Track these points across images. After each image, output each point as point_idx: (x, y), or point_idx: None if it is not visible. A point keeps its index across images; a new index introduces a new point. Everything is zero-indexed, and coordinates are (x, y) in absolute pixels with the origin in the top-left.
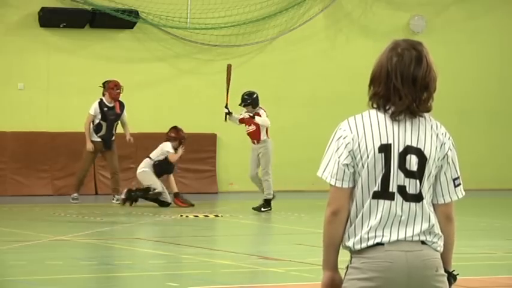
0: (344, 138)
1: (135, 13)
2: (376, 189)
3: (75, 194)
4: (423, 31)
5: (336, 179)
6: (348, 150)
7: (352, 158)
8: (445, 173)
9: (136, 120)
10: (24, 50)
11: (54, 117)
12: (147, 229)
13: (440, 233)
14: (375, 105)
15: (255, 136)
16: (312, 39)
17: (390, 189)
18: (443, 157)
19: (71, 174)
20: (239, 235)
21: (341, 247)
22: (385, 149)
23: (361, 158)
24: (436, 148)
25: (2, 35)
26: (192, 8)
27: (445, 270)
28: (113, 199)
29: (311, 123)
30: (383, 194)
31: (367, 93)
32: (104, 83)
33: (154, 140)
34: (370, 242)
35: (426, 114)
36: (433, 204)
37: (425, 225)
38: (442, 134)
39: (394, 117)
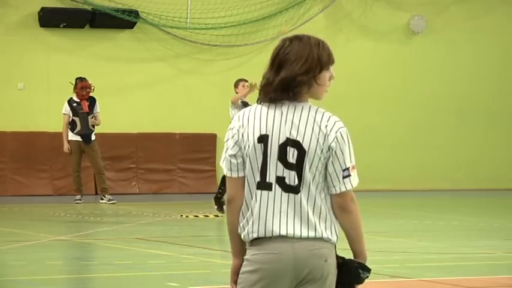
0: (232, 129)
1: (135, 13)
2: (258, 179)
3: (77, 196)
4: (423, 31)
5: (227, 169)
6: (234, 140)
7: (239, 148)
8: (332, 164)
9: (136, 120)
10: (24, 50)
11: (54, 117)
12: (146, 229)
13: (330, 223)
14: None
15: None
16: None
17: (268, 180)
18: (328, 149)
19: (71, 174)
20: None
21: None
22: (263, 139)
23: (244, 148)
24: (318, 140)
25: (2, 35)
26: (192, 8)
27: (358, 262)
28: (102, 199)
29: None
30: (262, 184)
31: (366, 93)
32: (76, 79)
33: (154, 140)
34: (255, 235)
35: (312, 105)
36: (330, 195)
37: (308, 216)
38: (326, 126)
39: (265, 103)
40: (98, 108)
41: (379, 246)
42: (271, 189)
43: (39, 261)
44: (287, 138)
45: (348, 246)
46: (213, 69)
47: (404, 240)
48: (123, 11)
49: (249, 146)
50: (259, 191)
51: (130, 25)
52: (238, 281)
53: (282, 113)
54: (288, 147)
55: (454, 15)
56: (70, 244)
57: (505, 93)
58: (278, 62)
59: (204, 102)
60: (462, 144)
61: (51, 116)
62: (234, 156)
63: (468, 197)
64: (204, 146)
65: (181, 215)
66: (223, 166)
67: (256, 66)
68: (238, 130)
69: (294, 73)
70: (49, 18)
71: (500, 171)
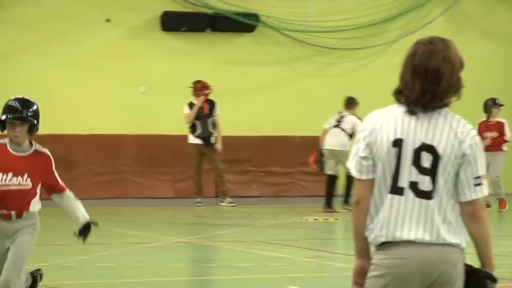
0: (363, 131)
1: (255, 16)
2: (390, 183)
3: (198, 199)
4: None
5: (356, 171)
6: (365, 142)
7: (370, 150)
8: (465, 171)
9: (255, 123)
10: (146, 54)
11: (176, 120)
12: (266, 232)
13: (460, 229)
14: (396, 101)
15: None
16: None
17: (399, 184)
18: (462, 155)
19: (192, 177)
20: None
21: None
22: (398, 143)
23: (377, 151)
24: (453, 146)
25: (125, 38)
26: (312, 11)
27: (486, 272)
28: (222, 202)
29: None
30: (394, 189)
31: (487, 95)
32: (194, 83)
33: (273, 143)
34: (383, 239)
35: (447, 111)
36: (459, 203)
37: (438, 222)
38: (462, 132)
39: (407, 111)
40: (217, 111)
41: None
42: (402, 194)
43: (161, 263)
44: (422, 143)
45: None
46: (333, 72)
47: None
48: (244, 15)
49: (382, 149)
50: (390, 195)
51: (250, 28)
52: (366, 285)
53: (418, 117)
54: (423, 152)
55: None
56: (191, 246)
57: None
58: (425, 70)
59: (324, 105)
60: None
61: (173, 119)
62: (365, 158)
63: None
64: None
65: (301, 218)
66: (352, 167)
67: (376, 69)
68: (371, 132)
69: (452, 85)
70: (171, 22)
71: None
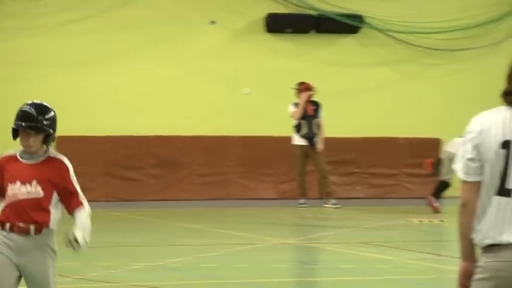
0: (471, 133)
1: (359, 18)
2: (496, 185)
3: (302, 200)
4: None
5: (463, 173)
6: (472, 144)
7: (478, 152)
8: None
9: (359, 124)
10: (250, 55)
11: (280, 121)
12: (371, 233)
13: None
14: (504, 102)
15: None
16: None
17: (507, 186)
18: None
19: (296, 178)
20: None
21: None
22: (507, 145)
23: (485, 152)
24: None
25: (230, 40)
26: (417, 12)
27: None
28: (326, 203)
29: None
30: (501, 190)
31: None
32: (297, 84)
33: (378, 144)
34: (489, 241)
35: None
36: None
37: None
38: None
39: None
40: (322, 112)
41: None
42: (510, 196)
43: (264, 264)
44: None
45: None
46: (438, 73)
47: None
48: (348, 16)
49: (490, 151)
50: (497, 197)
51: (354, 30)
52: (472, 286)
53: None
54: None
55: None
56: (294, 247)
57: None
58: None
59: (429, 107)
60: None
61: (277, 120)
62: (472, 160)
63: None
64: (428, 151)
65: (406, 220)
66: (459, 169)
67: (482, 71)
68: (479, 134)
69: None
70: (276, 24)
71: None
